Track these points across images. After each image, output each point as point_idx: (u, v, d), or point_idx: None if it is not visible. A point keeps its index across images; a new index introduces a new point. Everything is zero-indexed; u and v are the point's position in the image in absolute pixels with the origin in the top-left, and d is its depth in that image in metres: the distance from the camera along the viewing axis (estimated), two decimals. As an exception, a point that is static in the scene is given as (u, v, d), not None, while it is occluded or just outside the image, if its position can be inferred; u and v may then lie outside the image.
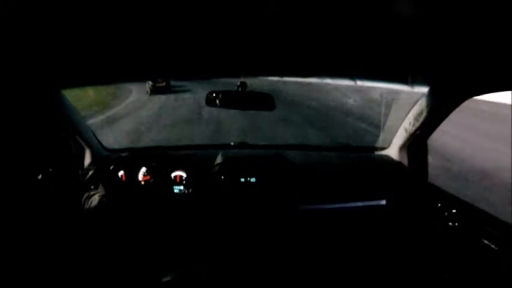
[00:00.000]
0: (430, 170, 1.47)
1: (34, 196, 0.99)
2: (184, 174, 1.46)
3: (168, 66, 1.00)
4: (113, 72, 1.03)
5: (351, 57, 0.86)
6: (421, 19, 0.55)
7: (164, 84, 12.22)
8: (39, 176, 1.00)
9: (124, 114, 8.94)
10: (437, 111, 1.30)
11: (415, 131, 1.42)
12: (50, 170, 1.04)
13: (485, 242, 1.09)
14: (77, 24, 0.56)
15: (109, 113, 9.23)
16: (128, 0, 0.49)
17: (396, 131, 1.58)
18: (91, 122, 7.54)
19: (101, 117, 8.48)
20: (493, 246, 1.07)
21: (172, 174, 1.46)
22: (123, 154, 1.52)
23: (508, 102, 6.82)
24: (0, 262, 0.82)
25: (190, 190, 1.45)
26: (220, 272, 1.36)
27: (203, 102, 1.35)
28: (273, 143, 2.41)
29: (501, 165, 4.21)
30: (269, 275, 1.36)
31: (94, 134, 1.49)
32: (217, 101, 1.31)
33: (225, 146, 1.69)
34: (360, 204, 1.51)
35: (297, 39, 0.70)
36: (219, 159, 1.49)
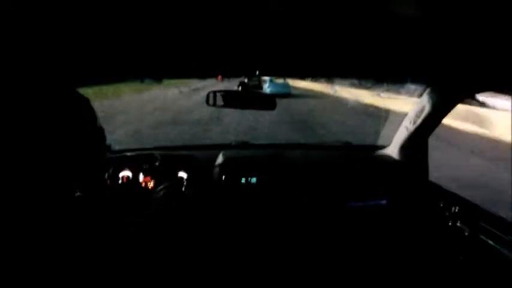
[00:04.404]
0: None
1: (36, 196, 1.00)
2: (185, 175, 1.46)
3: (179, 64, 1.01)
4: (124, 70, 1.04)
5: (352, 58, 0.86)
6: (421, 19, 0.56)
7: (257, 82, 13.38)
8: (43, 176, 1.00)
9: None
10: (438, 110, 1.31)
11: (416, 129, 1.43)
12: (54, 170, 1.03)
13: (486, 240, 1.10)
14: (92, 22, 0.57)
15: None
16: (140, 2, 0.49)
17: (397, 130, 1.59)
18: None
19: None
20: (493, 244, 1.07)
21: (173, 175, 1.46)
22: (123, 155, 1.52)
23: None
24: (2, 262, 0.83)
25: (191, 191, 1.46)
26: (221, 271, 1.36)
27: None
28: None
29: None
30: (270, 274, 1.37)
31: None
32: (218, 101, 1.31)
33: (225, 146, 1.69)
34: (360, 203, 1.52)
35: (298, 39, 0.71)
36: (219, 160, 1.49)
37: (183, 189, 1.46)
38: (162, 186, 1.45)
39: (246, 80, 12.66)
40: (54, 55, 0.72)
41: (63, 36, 0.62)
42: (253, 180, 1.47)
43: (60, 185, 0.84)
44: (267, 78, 13.25)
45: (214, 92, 1.31)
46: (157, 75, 1.32)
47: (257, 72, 1.11)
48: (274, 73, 1.24)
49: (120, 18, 0.56)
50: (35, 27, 0.56)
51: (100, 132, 1.03)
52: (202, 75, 1.14)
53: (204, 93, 1.38)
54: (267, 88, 13.77)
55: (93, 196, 1.03)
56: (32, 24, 0.55)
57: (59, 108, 0.80)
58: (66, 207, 0.86)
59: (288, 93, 14.17)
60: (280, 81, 14.26)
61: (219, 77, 1.22)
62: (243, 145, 1.73)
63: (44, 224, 0.79)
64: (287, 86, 14.60)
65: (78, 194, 0.87)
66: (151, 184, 1.44)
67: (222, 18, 0.57)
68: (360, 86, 14.25)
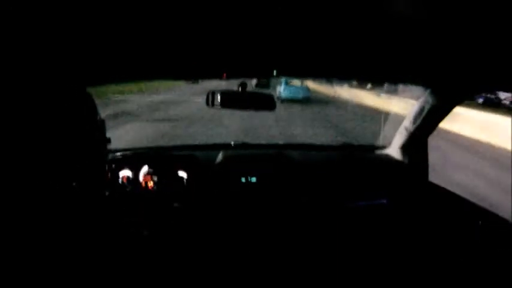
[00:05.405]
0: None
1: (37, 196, 1.00)
2: (185, 175, 1.47)
3: (173, 66, 1.01)
4: (131, 71, 1.03)
5: (353, 59, 0.86)
6: (422, 20, 0.56)
7: (265, 81, 12.41)
8: (47, 170, 0.99)
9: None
10: (437, 110, 1.31)
11: (415, 130, 1.43)
12: (55, 170, 1.03)
13: (486, 239, 1.10)
14: (103, 21, 0.57)
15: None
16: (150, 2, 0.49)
17: (396, 130, 1.59)
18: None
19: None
20: (493, 244, 1.08)
21: (174, 175, 1.46)
22: (124, 155, 1.52)
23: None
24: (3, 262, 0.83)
25: (191, 190, 1.46)
26: (221, 270, 1.36)
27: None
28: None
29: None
30: (271, 274, 1.37)
31: None
32: (218, 101, 1.31)
33: (225, 146, 1.70)
34: (360, 203, 1.52)
35: (300, 40, 0.71)
36: (219, 159, 1.50)
37: (183, 188, 1.46)
38: (162, 186, 1.45)
39: (255, 80, 12.18)
40: (62, 54, 0.72)
41: (70, 35, 0.62)
42: (253, 179, 1.47)
43: (62, 178, 0.84)
44: (281, 79, 11.58)
45: (213, 93, 1.31)
46: (171, 76, 1.31)
47: (275, 73, 1.09)
48: (292, 74, 1.22)
49: (132, 15, 0.55)
50: (43, 26, 0.56)
51: (101, 126, 1.04)
52: (216, 75, 1.13)
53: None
54: (282, 92, 11.66)
55: (92, 190, 1.03)
56: (39, 23, 0.54)
57: (64, 104, 0.80)
58: (66, 201, 0.86)
59: (306, 99, 12.19)
60: (296, 83, 12.02)
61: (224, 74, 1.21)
62: (243, 145, 1.73)
63: (44, 218, 0.78)
64: (306, 89, 12.39)
65: (74, 184, 0.86)
66: (151, 184, 1.45)
67: (240, 17, 0.56)
68: (359, 86, 14.15)
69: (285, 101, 11.36)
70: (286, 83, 11.79)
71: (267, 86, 12.57)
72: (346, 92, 14.53)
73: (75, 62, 0.78)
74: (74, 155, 0.87)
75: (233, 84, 1.31)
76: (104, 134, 1.13)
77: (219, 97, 1.30)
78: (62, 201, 0.84)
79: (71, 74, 0.84)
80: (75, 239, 0.94)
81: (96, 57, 0.77)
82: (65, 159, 0.83)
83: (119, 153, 1.53)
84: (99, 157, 1.16)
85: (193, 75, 1.53)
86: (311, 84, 14.32)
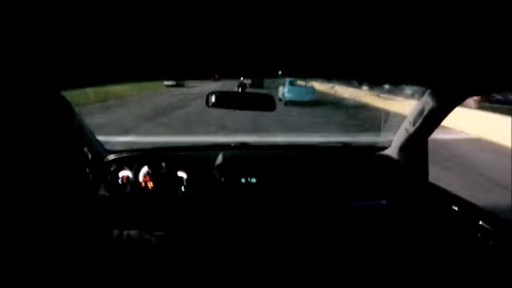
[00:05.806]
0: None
1: (35, 199, 1.00)
2: (185, 175, 1.46)
3: (168, 67, 0.99)
4: (114, 72, 1.02)
5: (352, 59, 0.86)
6: (422, 20, 0.56)
7: (259, 81, 12.38)
8: (40, 179, 0.99)
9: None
10: (438, 111, 1.31)
11: (416, 130, 1.43)
12: (51, 172, 1.02)
13: (486, 240, 1.10)
14: (76, 25, 0.55)
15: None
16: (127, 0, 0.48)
17: (396, 131, 1.59)
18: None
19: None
20: (493, 244, 1.07)
21: (173, 175, 1.46)
22: (123, 155, 1.52)
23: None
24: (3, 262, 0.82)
25: (191, 191, 1.46)
26: (221, 270, 1.36)
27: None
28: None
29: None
30: (271, 274, 1.37)
31: (94, 135, 1.49)
32: (217, 101, 1.31)
33: (225, 147, 1.69)
34: (360, 203, 1.52)
35: (300, 40, 0.71)
36: (219, 160, 1.49)
37: (183, 189, 1.46)
38: (161, 186, 1.45)
39: (249, 81, 11.94)
40: (34, 55, 0.68)
41: (46, 39, 0.60)
42: (253, 180, 1.46)
43: (40, 181, 0.83)
44: (285, 80, 10.83)
45: (213, 93, 1.31)
46: (167, 77, 1.28)
47: (280, 73, 1.07)
48: (296, 74, 1.20)
49: (111, 20, 0.54)
50: (13, 27, 0.54)
51: (79, 132, 1.02)
52: (218, 75, 1.11)
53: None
54: (286, 93, 10.88)
55: (77, 192, 1.02)
56: (9, 23, 0.53)
57: (36, 108, 0.78)
58: (48, 202, 0.85)
59: (313, 101, 11.30)
60: (301, 83, 11.20)
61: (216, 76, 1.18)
62: (242, 146, 1.73)
63: (21, 219, 0.78)
64: (312, 91, 11.43)
65: (56, 187, 0.86)
66: (151, 184, 1.44)
67: (244, 15, 0.55)
68: (358, 86, 13.96)
69: (288, 103, 10.74)
70: (291, 84, 10.96)
71: (260, 86, 12.17)
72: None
73: (48, 64, 0.74)
74: (47, 158, 0.85)
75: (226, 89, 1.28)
76: (83, 139, 1.10)
77: (218, 97, 1.30)
78: (42, 203, 0.83)
79: (44, 76, 0.80)
80: (75, 240, 0.93)
81: (73, 58, 0.73)
82: (38, 162, 0.81)
83: (118, 154, 1.53)
84: (79, 161, 1.14)
85: (193, 75, 1.51)
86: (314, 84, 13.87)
